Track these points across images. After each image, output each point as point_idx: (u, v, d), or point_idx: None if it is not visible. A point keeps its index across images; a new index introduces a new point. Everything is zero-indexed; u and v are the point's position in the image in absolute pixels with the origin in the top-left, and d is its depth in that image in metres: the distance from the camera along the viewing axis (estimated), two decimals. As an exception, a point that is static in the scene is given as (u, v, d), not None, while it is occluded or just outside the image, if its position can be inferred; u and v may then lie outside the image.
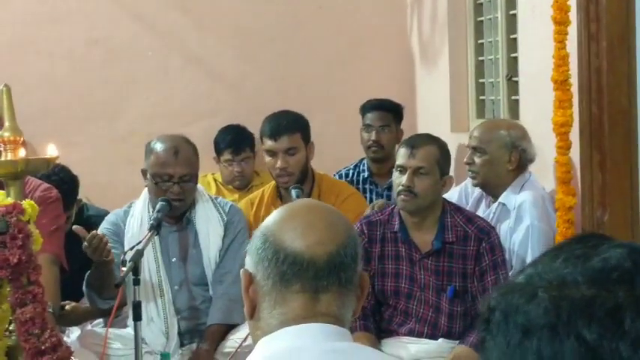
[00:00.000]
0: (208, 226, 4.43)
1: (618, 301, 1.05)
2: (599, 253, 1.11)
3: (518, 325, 1.09)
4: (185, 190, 4.33)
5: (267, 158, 4.75)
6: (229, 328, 4.34)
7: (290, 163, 4.67)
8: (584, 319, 1.05)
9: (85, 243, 3.95)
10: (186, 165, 4.33)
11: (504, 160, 4.68)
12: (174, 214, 4.35)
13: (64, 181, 4.81)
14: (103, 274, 4.10)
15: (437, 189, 4.21)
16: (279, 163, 4.66)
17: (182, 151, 4.35)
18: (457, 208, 4.31)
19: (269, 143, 4.71)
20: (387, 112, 5.75)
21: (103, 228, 4.43)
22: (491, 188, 4.78)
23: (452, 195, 5.06)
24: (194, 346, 4.36)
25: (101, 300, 4.28)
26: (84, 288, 4.27)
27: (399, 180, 4.18)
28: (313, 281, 1.87)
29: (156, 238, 4.26)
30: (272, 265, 1.88)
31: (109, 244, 4.01)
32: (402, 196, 4.16)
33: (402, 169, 4.19)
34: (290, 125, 4.73)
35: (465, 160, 4.80)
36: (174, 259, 4.42)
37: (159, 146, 4.37)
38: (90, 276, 4.20)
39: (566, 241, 1.18)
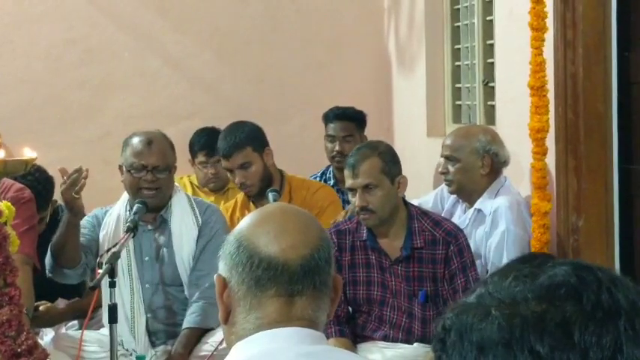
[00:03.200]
0: (182, 227, 4.44)
1: (566, 315, 1.12)
2: (545, 271, 1.17)
3: (473, 343, 1.14)
4: (159, 180, 4.38)
5: (229, 174, 5.02)
6: (204, 331, 4.34)
7: (247, 177, 4.82)
8: (536, 333, 1.11)
9: (65, 178, 4.05)
10: (159, 156, 4.40)
11: (477, 166, 4.70)
12: (151, 206, 4.36)
13: (39, 181, 4.79)
14: (68, 234, 4.16)
15: (391, 197, 4.19)
16: (237, 179, 4.85)
17: (156, 142, 4.44)
18: (423, 213, 4.30)
19: (224, 163, 4.93)
20: (350, 122, 5.70)
21: (84, 219, 4.44)
22: (467, 195, 4.80)
23: (427, 200, 5.08)
24: (168, 347, 4.35)
25: (60, 269, 4.29)
26: (47, 258, 4.28)
27: (354, 200, 4.21)
28: (288, 285, 1.88)
29: None
30: (246, 270, 1.88)
31: (79, 193, 4.08)
32: (361, 215, 4.18)
33: (352, 190, 4.20)
34: (238, 143, 4.86)
35: (439, 170, 4.83)
36: (147, 258, 4.44)
37: (134, 139, 4.46)
38: (55, 239, 4.26)
39: (512, 261, 1.25)
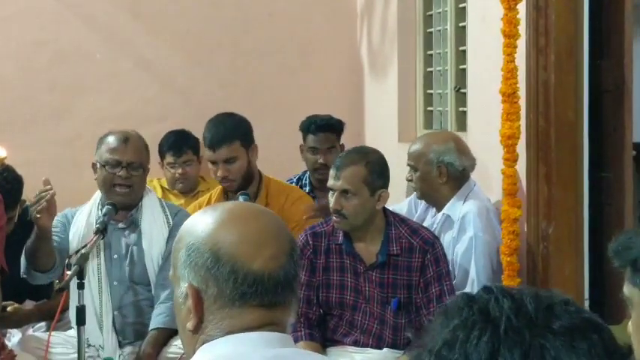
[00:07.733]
0: (152, 227, 4.43)
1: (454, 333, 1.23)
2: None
3: None
4: (132, 178, 4.39)
5: (210, 165, 4.80)
6: (173, 332, 4.31)
7: (231, 171, 4.69)
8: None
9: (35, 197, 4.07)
10: (134, 153, 4.42)
11: (434, 176, 4.71)
12: (122, 204, 4.37)
13: (7, 180, 4.77)
14: (39, 243, 4.15)
15: (367, 208, 4.15)
16: (219, 172, 4.70)
17: (132, 139, 4.45)
18: (401, 220, 4.29)
19: (208, 153, 4.75)
20: (332, 133, 5.66)
21: (55, 220, 4.41)
22: (432, 201, 4.82)
23: (402, 207, 5.08)
24: (136, 348, 4.33)
25: (34, 272, 4.27)
26: (22, 260, 4.26)
27: (331, 199, 4.19)
28: (273, 296, 1.86)
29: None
30: (230, 285, 1.84)
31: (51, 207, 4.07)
32: (334, 217, 4.17)
33: (332, 191, 4.19)
34: (227, 135, 4.69)
35: (406, 177, 4.85)
36: (115, 256, 4.43)
37: (110, 137, 4.47)
38: (28, 244, 4.24)
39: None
